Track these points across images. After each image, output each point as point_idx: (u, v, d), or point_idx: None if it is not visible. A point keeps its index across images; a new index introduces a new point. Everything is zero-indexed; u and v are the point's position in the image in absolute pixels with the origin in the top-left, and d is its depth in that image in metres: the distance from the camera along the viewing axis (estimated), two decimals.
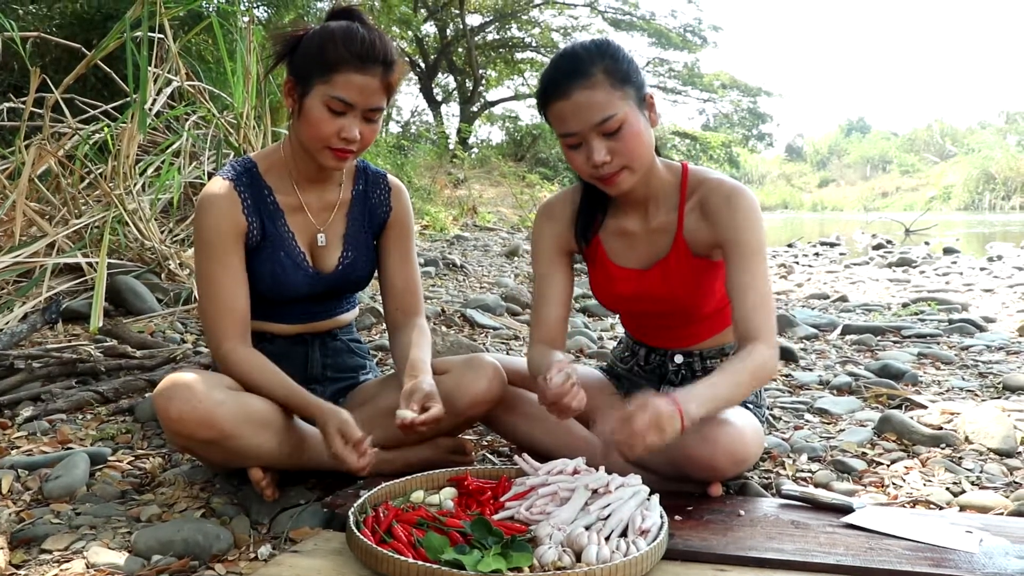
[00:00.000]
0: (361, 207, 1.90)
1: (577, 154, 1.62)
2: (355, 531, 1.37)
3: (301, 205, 1.82)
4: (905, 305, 5.11)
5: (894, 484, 1.87)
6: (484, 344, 3.40)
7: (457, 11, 18.42)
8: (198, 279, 1.77)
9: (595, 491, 1.50)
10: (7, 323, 2.90)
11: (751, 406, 1.83)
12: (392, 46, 1.70)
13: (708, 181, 1.72)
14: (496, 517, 1.47)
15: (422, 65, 19.96)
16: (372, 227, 1.92)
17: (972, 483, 1.87)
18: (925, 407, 2.46)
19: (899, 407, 2.51)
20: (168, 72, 4.17)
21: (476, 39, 19.55)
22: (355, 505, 1.47)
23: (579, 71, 1.57)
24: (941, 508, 1.73)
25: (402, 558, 1.27)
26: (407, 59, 19.41)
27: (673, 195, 1.74)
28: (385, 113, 1.74)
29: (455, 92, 21.10)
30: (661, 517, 1.43)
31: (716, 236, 1.68)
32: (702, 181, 1.72)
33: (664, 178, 1.74)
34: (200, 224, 1.75)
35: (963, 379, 2.92)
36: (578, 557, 1.33)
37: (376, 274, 1.96)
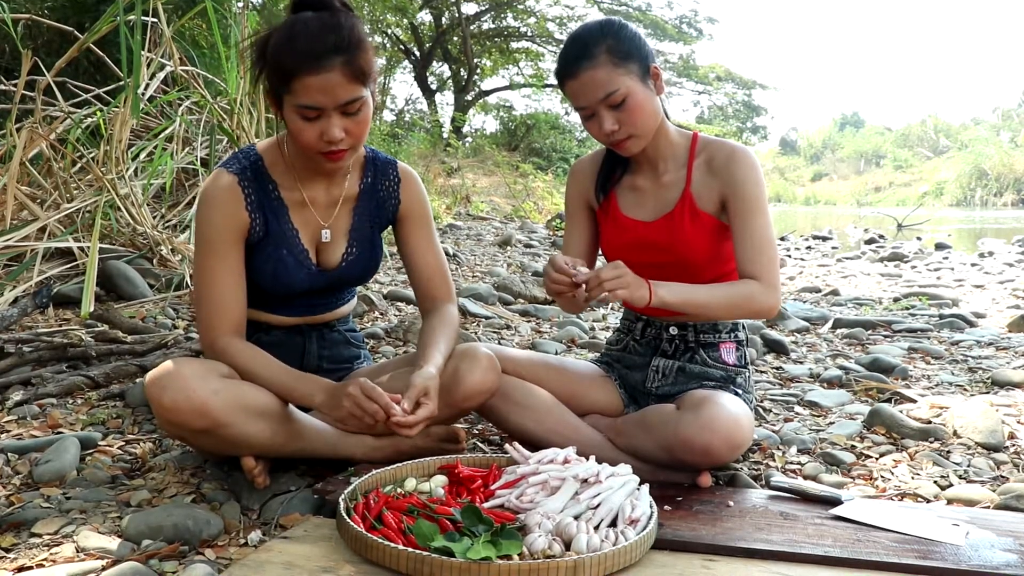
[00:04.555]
0: (368, 201, 1.86)
1: (591, 124, 1.78)
2: (345, 518, 1.37)
3: (305, 200, 1.79)
4: (896, 300, 5.13)
5: (882, 477, 1.89)
6: (476, 333, 3.40)
7: None
8: (196, 272, 1.74)
9: (585, 480, 1.50)
10: None
11: (740, 392, 1.85)
12: (349, 27, 1.57)
13: (714, 142, 1.87)
14: (486, 505, 1.48)
15: (417, 53, 19.85)
16: (380, 220, 1.89)
17: (959, 477, 1.89)
18: (914, 401, 2.48)
19: (888, 401, 2.52)
20: (162, 57, 4.15)
21: (472, 28, 19.43)
22: (345, 492, 1.47)
23: (585, 53, 1.72)
24: (928, 501, 1.75)
25: (392, 545, 1.28)
26: (401, 46, 19.29)
27: (683, 155, 1.88)
28: (373, 99, 1.64)
29: (450, 81, 20.98)
30: (651, 507, 1.44)
31: (720, 190, 1.81)
32: (709, 143, 1.88)
33: (675, 140, 1.88)
34: (202, 218, 1.72)
35: (952, 374, 2.93)
36: (567, 546, 1.34)
37: (403, 265, 1.93)
